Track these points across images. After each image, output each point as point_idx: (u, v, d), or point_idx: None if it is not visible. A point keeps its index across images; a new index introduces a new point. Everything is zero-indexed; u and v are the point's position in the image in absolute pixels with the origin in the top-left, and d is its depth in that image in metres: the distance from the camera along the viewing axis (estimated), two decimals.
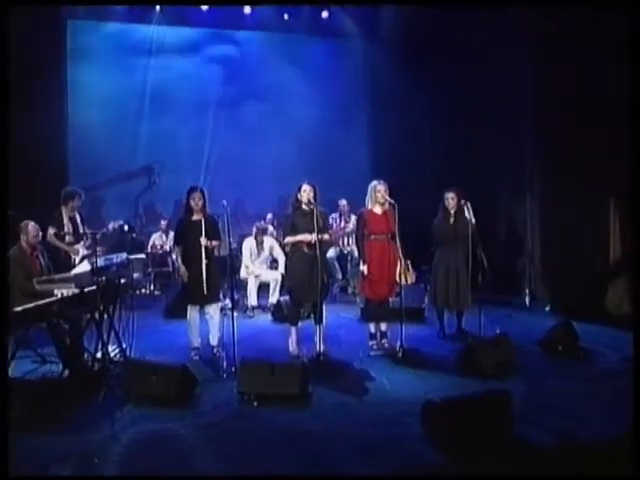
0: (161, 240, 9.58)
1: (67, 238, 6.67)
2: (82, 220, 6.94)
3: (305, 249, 5.58)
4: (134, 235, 9.24)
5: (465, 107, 8.46)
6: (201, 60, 10.54)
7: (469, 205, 5.85)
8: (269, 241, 8.20)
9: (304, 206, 5.61)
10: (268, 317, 7.52)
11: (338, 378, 5.04)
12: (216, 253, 5.78)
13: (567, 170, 7.27)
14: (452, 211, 6.15)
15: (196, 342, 5.73)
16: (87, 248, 6.61)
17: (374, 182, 5.86)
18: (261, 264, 8.06)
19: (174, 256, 9.38)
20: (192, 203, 5.55)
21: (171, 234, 9.62)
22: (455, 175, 7.64)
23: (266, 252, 8.09)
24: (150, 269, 9.05)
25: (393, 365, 5.38)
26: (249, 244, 8.06)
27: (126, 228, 7.92)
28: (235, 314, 6.81)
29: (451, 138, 8.64)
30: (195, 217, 5.60)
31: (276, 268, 8.13)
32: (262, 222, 8.50)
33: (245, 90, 10.43)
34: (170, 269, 9.20)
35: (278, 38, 10.46)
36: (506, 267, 7.84)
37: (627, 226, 6.69)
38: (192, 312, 5.70)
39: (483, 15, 7.71)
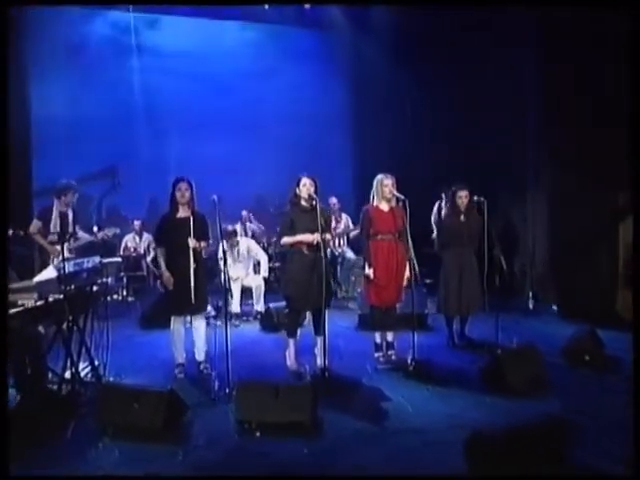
0: (134, 242, 8.66)
1: (50, 236, 5.80)
2: (75, 219, 6.07)
3: (305, 250, 4.82)
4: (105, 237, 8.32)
5: (465, 105, 7.86)
6: (171, 51, 9.65)
7: (485, 204, 5.16)
8: (245, 242, 7.36)
9: (304, 202, 4.85)
10: (255, 326, 6.71)
11: (350, 399, 4.27)
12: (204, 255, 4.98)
13: (573, 169, 6.73)
14: (463, 209, 5.49)
15: (181, 358, 4.90)
16: (70, 251, 5.72)
17: (380, 176, 5.14)
18: (241, 268, 7.21)
19: (149, 259, 8.57)
20: (178, 195, 4.71)
21: (145, 236, 8.76)
22: (453, 174, 7.05)
23: (244, 255, 7.25)
24: (122, 273, 8.12)
25: (406, 381, 4.65)
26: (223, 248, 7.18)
27: (95, 229, 7.11)
28: (219, 323, 6.12)
29: (449, 136, 7.98)
30: (181, 214, 4.77)
31: (259, 272, 7.33)
32: (228, 225, 7.62)
33: (222, 82, 9.64)
34: (145, 273, 8.30)
35: (260, 28, 9.68)
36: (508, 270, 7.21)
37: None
38: (177, 324, 4.86)
39: (483, 12, 7.11)
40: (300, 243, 4.82)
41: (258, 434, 3.63)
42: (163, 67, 9.62)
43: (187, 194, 4.73)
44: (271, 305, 6.52)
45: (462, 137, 7.82)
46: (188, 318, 4.96)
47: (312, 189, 4.81)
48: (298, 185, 4.86)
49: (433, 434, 3.63)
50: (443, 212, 7.88)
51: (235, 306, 6.94)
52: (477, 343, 5.48)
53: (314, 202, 4.76)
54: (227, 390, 4.23)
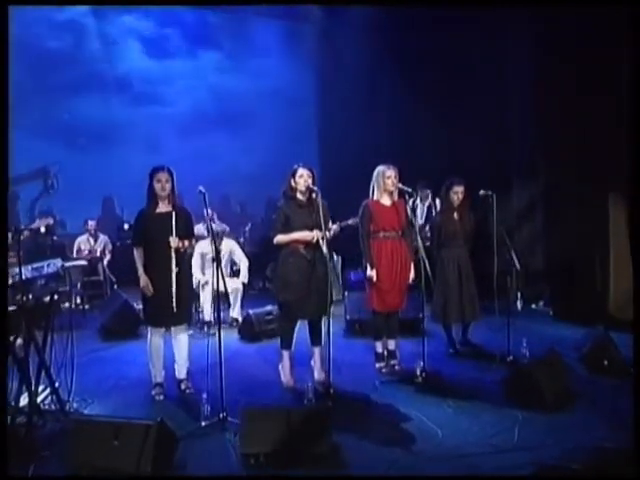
0: (88, 244, 7.70)
1: None
2: None
3: (302, 250, 4.17)
4: (55, 238, 7.40)
5: (451, 101, 7.36)
6: (128, 39, 8.85)
7: (494, 198, 4.66)
8: (228, 244, 6.61)
9: (300, 195, 4.21)
10: (232, 335, 5.95)
11: (364, 420, 3.64)
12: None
13: (563, 168, 6.40)
14: (457, 206, 4.97)
15: (159, 377, 4.12)
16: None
17: (381, 167, 4.55)
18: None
19: (105, 262, 7.65)
20: (157, 187, 3.95)
21: (101, 237, 7.83)
22: (432, 171, 6.62)
23: (225, 257, 6.49)
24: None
25: (420, 395, 4.05)
26: (201, 248, 6.38)
27: (43, 230, 6.23)
28: (191, 332, 5.40)
29: (433, 131, 7.45)
30: (162, 208, 4.00)
31: (236, 275, 6.60)
32: (218, 222, 6.86)
33: (181, 71, 8.90)
34: (101, 278, 7.36)
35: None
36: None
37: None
38: (155, 336, 4.08)
39: (478, 7, 6.64)
40: (297, 242, 4.16)
41: (270, 470, 2.95)
42: (119, 58, 8.81)
43: (168, 186, 3.98)
44: (251, 311, 5.80)
45: (449, 134, 7.29)
46: (173, 331, 4.19)
47: (310, 180, 4.17)
48: (293, 176, 4.20)
49: (479, 459, 3.05)
50: (419, 210, 7.45)
51: (207, 313, 6.17)
52: (485, 350, 4.98)
53: (314, 195, 4.12)
54: (222, 415, 3.51)
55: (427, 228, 6.65)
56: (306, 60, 9.31)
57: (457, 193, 4.94)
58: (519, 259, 4.76)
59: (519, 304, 6.72)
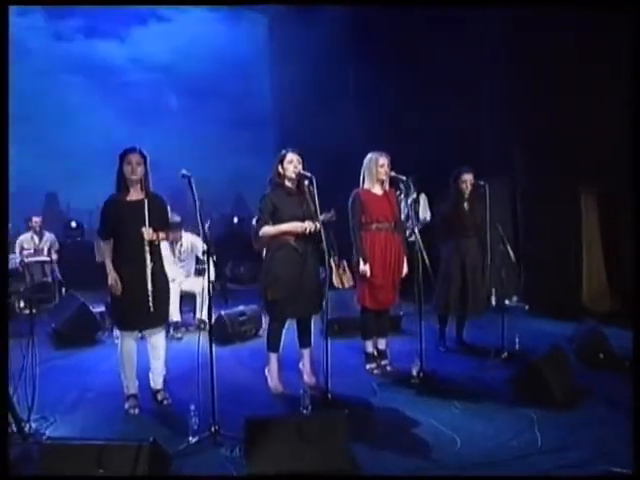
0: (32, 243, 6.93)
1: None
2: None
3: (293, 243, 3.78)
4: None
5: (434, 98, 7.09)
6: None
7: (487, 187, 4.42)
8: (189, 239, 6.06)
9: (288, 183, 3.82)
10: (200, 337, 5.43)
11: (372, 427, 3.28)
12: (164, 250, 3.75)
13: (537, 166, 6.32)
14: (467, 196, 4.71)
15: (133, 387, 3.60)
16: None
17: (373, 154, 4.21)
18: (182, 268, 5.91)
19: (54, 259, 6.91)
20: (127, 170, 3.43)
21: (46, 235, 7.10)
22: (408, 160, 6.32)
23: (186, 253, 5.95)
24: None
25: (422, 397, 3.74)
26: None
27: None
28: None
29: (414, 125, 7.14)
30: (133, 196, 3.49)
31: (201, 273, 6.08)
32: (174, 215, 6.29)
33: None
34: (50, 279, 6.62)
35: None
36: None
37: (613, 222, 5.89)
38: (128, 341, 3.56)
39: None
40: (286, 234, 3.77)
41: None
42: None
43: (139, 169, 3.47)
44: (223, 312, 5.32)
45: (429, 130, 6.98)
46: (148, 335, 3.67)
47: (300, 167, 3.79)
48: (281, 162, 3.81)
49: (506, 465, 2.76)
50: (402, 204, 7.18)
51: (175, 314, 5.63)
52: (476, 347, 4.75)
53: (306, 182, 3.73)
54: (213, 428, 3.06)
55: (409, 223, 6.41)
56: (274, 51, 8.90)
57: (466, 182, 4.66)
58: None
59: (493, 300, 6.59)
